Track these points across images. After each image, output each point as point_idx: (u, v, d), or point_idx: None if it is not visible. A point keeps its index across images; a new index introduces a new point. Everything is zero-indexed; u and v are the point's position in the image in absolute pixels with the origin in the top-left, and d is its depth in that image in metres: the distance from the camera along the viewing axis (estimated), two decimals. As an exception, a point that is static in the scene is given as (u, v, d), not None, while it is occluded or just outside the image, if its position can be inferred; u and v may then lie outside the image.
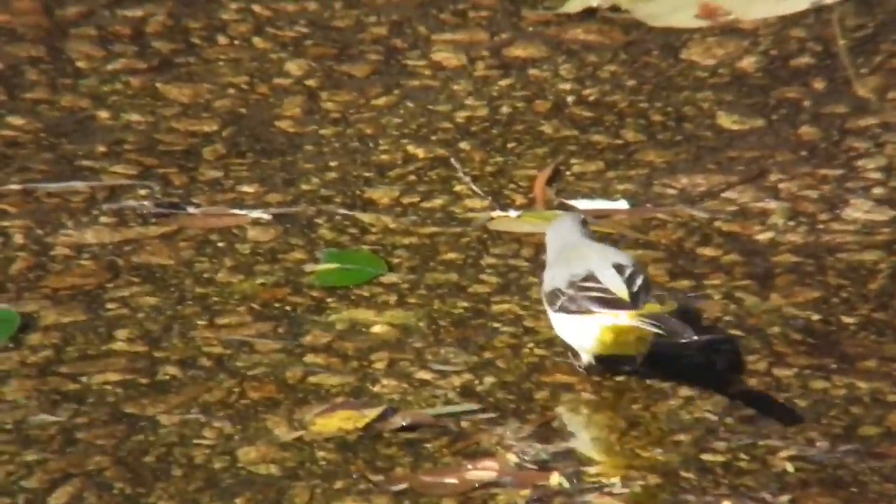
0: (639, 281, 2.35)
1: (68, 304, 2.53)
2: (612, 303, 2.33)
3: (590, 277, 2.35)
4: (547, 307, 2.40)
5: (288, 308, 2.54)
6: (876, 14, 3.02)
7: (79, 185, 2.74)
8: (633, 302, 2.32)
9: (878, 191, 2.73)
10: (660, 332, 2.29)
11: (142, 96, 2.93)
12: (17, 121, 2.87)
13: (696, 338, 2.28)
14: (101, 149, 2.83)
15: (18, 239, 2.64)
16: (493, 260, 2.62)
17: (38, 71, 2.95)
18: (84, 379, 2.42)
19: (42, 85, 2.93)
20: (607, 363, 2.39)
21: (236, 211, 2.70)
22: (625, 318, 2.32)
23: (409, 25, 3.06)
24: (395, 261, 2.62)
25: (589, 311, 2.33)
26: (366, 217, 2.70)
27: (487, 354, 2.45)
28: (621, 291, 2.33)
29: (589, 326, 2.34)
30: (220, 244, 2.65)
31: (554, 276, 2.39)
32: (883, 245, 2.62)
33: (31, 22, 3.02)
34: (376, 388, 2.39)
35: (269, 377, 2.42)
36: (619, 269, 2.36)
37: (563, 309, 2.36)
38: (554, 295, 2.37)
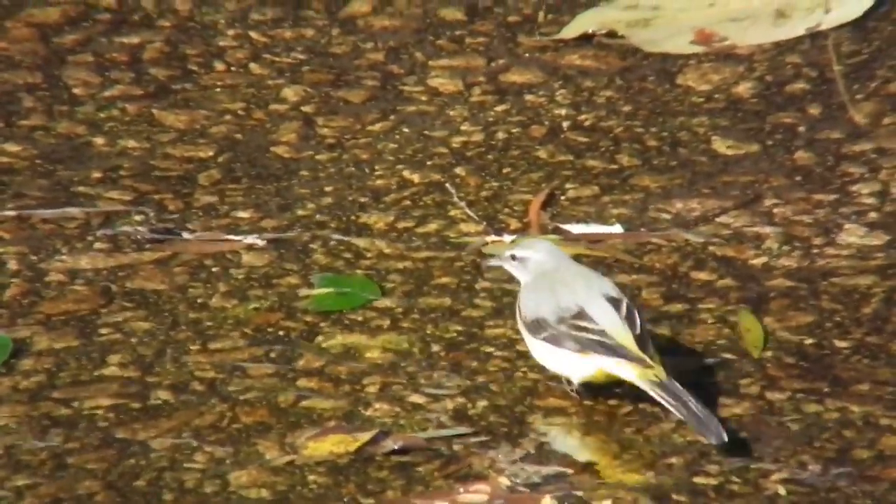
0: (638, 320, 2.27)
1: (61, 330, 2.54)
2: (615, 351, 2.24)
3: (582, 314, 2.28)
4: (526, 333, 2.36)
5: (281, 333, 2.54)
6: (871, 40, 3.04)
7: (74, 211, 2.75)
8: (641, 349, 2.22)
9: (872, 215, 2.73)
10: (680, 416, 2.19)
11: (138, 122, 2.94)
12: (12, 147, 2.89)
13: (725, 441, 2.17)
14: (97, 175, 2.84)
15: (13, 265, 2.66)
16: (487, 284, 2.62)
17: (35, 98, 2.97)
18: (76, 404, 2.42)
19: (38, 112, 2.95)
20: (598, 389, 2.38)
21: (231, 236, 2.71)
22: (631, 375, 2.24)
23: (405, 51, 3.08)
24: (389, 285, 2.62)
25: (585, 353, 2.26)
26: (360, 242, 2.71)
27: (480, 378, 2.45)
28: (621, 335, 2.24)
29: (582, 363, 2.29)
30: (214, 269, 2.66)
31: (538, 304, 2.33)
32: (877, 270, 2.62)
33: (27, 49, 3.05)
34: (369, 412, 2.39)
35: (262, 401, 2.42)
36: (612, 302, 2.29)
37: (550, 341, 2.31)
38: (538, 325, 2.32)
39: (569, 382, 2.38)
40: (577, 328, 2.28)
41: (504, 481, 2.27)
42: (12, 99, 2.97)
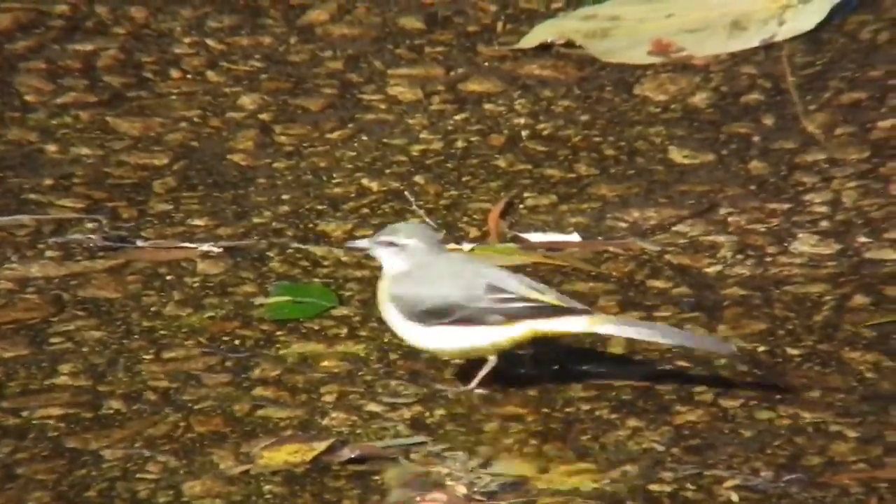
0: (542, 284, 2.29)
1: (11, 339, 2.51)
2: (553, 310, 2.26)
3: (496, 289, 2.27)
4: (414, 323, 2.30)
5: (237, 341, 2.53)
6: (824, 52, 3.07)
7: (24, 218, 2.72)
8: (569, 306, 2.25)
9: (824, 224, 2.76)
10: (656, 340, 2.18)
11: (91, 130, 2.92)
12: (-37, 154, 2.87)
13: (734, 350, 2.17)
14: (49, 182, 2.81)
15: (-38, 273, 2.63)
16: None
17: (-15, 104, 2.95)
18: (25, 413, 2.39)
19: (-11, 118, 2.93)
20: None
21: (186, 244, 2.69)
22: (583, 325, 2.25)
23: (364, 60, 3.08)
24: (347, 294, 2.61)
25: (521, 319, 2.24)
26: (318, 250, 2.70)
27: (437, 386, 2.45)
28: (545, 297, 2.25)
29: (508, 332, 2.27)
30: (168, 277, 2.64)
31: (444, 290, 2.28)
32: (828, 278, 2.65)
33: (-22, 55, 3.02)
34: (325, 421, 2.38)
35: (216, 411, 2.40)
36: (513, 275, 2.29)
37: (463, 322, 2.28)
38: (445, 311, 2.28)
39: (474, 375, 2.33)
40: (501, 300, 2.26)
41: (461, 489, 2.27)
42: (-37, 105, 2.95)
